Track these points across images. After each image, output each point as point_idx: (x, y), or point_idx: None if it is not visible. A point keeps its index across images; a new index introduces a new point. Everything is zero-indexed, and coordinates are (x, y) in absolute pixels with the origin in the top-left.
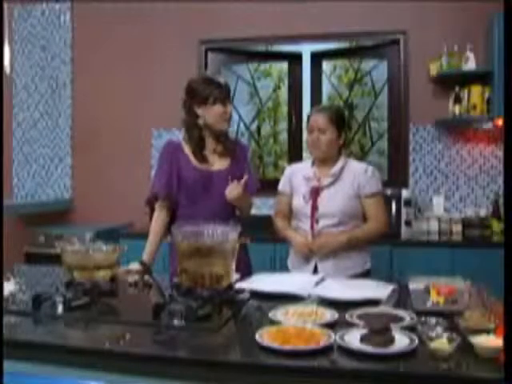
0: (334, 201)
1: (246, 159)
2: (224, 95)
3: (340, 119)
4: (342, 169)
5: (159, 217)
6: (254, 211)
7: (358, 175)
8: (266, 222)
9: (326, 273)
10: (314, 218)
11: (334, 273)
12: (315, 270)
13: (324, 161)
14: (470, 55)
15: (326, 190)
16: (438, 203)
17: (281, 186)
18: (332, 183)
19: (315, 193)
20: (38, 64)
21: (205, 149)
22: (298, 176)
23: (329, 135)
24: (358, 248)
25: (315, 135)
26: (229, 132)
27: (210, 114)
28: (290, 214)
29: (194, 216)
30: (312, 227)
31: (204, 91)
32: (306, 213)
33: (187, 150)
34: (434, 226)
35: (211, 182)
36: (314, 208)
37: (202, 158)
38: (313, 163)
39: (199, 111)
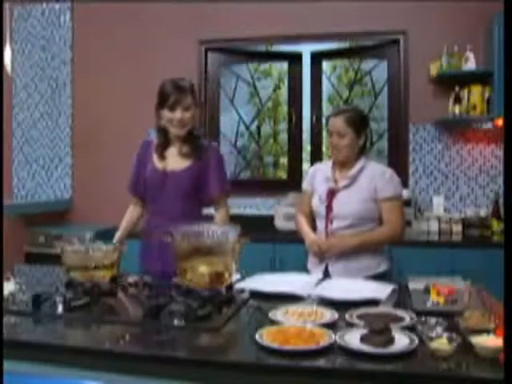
0: (349, 203)
1: (215, 162)
2: (173, 101)
3: (358, 120)
4: (360, 171)
5: (131, 211)
6: (253, 211)
7: (375, 178)
8: (266, 222)
9: (337, 274)
10: (328, 219)
11: (344, 274)
12: (326, 271)
13: (344, 163)
14: (470, 55)
15: (342, 192)
16: (438, 203)
17: (304, 185)
18: (349, 185)
19: (331, 194)
20: (37, 64)
21: (168, 149)
22: (319, 176)
23: (347, 138)
24: (371, 251)
25: (334, 139)
26: (196, 135)
27: (163, 117)
28: (311, 213)
29: (156, 213)
30: (326, 227)
31: (161, 94)
32: (321, 213)
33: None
34: (433, 225)
35: (165, 182)
36: (329, 209)
37: (161, 156)
38: (333, 164)
39: (160, 113)
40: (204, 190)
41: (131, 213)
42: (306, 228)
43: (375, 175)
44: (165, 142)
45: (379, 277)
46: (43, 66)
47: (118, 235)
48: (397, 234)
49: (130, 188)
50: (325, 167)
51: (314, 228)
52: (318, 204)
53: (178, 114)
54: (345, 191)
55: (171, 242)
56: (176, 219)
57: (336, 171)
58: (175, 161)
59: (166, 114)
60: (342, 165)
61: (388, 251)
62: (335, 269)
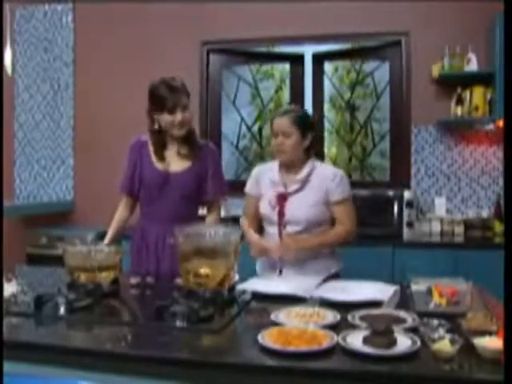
0: (300, 208)
1: (213, 162)
2: (172, 104)
3: (304, 121)
4: (310, 174)
5: (121, 213)
6: None
7: (325, 181)
8: None
9: (292, 277)
10: (281, 225)
11: (299, 277)
12: (280, 275)
13: (290, 165)
14: (472, 56)
15: (293, 197)
16: (440, 204)
17: (248, 188)
18: (299, 189)
19: (282, 199)
20: (40, 65)
21: (166, 150)
22: (264, 178)
23: (293, 138)
24: (328, 252)
25: (280, 139)
26: (194, 135)
27: (162, 121)
28: (257, 216)
29: (153, 214)
30: (280, 234)
31: (156, 97)
32: (272, 218)
33: (151, 148)
34: (435, 227)
35: (167, 183)
36: (281, 215)
37: (162, 158)
38: (280, 167)
39: (154, 116)
40: (203, 192)
41: (121, 214)
42: (249, 230)
43: (326, 178)
44: (162, 144)
45: (332, 277)
46: (45, 67)
47: (108, 238)
48: (351, 233)
49: (123, 188)
50: (270, 170)
51: (259, 231)
52: (267, 209)
53: (178, 116)
54: (296, 195)
55: (174, 243)
56: (174, 220)
57: (283, 174)
58: (175, 162)
59: (166, 117)
60: (288, 167)
61: (391, 252)
62: (288, 273)
